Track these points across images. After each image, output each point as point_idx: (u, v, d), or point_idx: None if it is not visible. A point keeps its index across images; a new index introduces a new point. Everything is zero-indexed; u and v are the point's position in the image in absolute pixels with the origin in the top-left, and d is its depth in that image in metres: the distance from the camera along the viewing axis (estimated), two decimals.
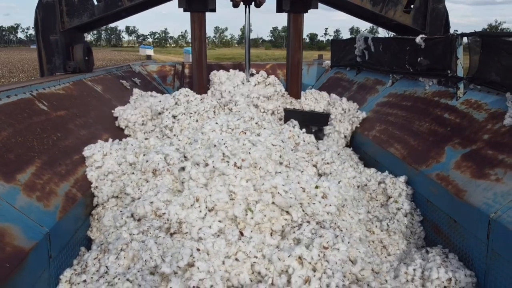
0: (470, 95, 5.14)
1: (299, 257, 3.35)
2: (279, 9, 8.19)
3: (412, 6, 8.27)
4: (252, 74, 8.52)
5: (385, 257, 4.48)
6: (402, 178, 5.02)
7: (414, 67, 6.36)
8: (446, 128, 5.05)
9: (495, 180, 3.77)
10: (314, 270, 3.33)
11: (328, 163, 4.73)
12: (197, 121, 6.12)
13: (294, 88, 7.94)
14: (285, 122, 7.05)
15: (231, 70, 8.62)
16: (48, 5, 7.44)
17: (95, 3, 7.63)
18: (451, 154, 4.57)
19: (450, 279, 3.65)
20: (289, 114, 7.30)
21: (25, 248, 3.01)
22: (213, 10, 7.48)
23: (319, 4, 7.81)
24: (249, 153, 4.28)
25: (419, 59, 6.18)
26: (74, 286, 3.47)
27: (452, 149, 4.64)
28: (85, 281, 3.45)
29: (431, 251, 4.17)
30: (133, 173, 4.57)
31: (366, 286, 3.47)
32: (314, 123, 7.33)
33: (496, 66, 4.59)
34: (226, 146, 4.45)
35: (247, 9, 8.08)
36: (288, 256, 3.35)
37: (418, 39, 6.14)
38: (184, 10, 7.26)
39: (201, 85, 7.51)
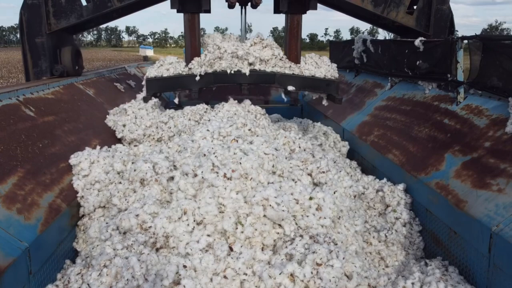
0: (471, 100, 4.97)
1: (291, 274, 3.19)
2: (277, 10, 7.87)
3: (415, 7, 7.96)
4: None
5: (383, 269, 4.31)
6: (401, 186, 4.86)
7: (413, 70, 6.20)
8: (446, 134, 4.89)
9: (497, 191, 3.61)
10: None
11: (323, 172, 4.56)
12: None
13: (293, 52, 7.33)
14: (284, 90, 6.86)
15: (226, 34, 8.16)
16: (33, 6, 7.11)
17: (84, 3, 7.30)
18: (451, 162, 4.41)
19: None
20: (287, 80, 6.86)
21: (1, 265, 2.85)
22: (208, 11, 7.13)
23: (319, 5, 7.40)
24: (240, 163, 4.07)
25: (418, 62, 6.02)
26: None
27: (452, 156, 4.47)
28: None
29: (430, 263, 4.01)
30: (120, 182, 4.40)
31: None
32: (318, 89, 6.95)
33: (498, 70, 4.43)
34: (216, 156, 4.26)
35: (243, 10, 7.80)
36: (280, 274, 3.19)
37: (417, 41, 5.97)
38: (178, 11, 6.93)
39: (193, 52, 6.98)
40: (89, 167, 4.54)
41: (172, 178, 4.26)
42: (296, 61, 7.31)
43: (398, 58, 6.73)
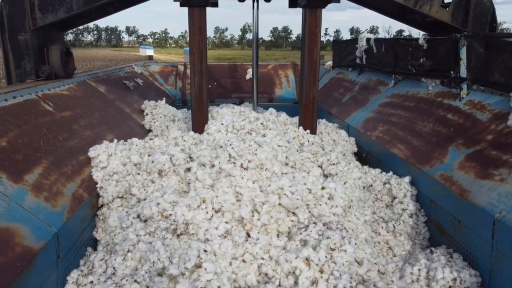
0: (474, 96, 5.16)
1: (306, 259, 3.36)
2: (292, 4, 7.10)
3: (450, 0, 7.20)
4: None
5: (391, 258, 4.50)
6: (407, 179, 5.04)
7: (417, 67, 6.39)
8: (449, 128, 5.08)
9: (499, 181, 3.79)
10: (321, 271, 3.35)
11: (333, 164, 4.75)
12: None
13: (308, 120, 6.69)
14: None
15: (235, 107, 7.64)
16: None
17: None
18: (455, 155, 4.60)
19: (455, 279, 3.67)
20: None
21: (34, 248, 3.03)
22: (215, 4, 6.41)
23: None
24: (256, 154, 4.27)
25: (421, 60, 6.21)
26: (81, 287, 3.49)
27: (456, 149, 4.66)
28: (92, 282, 3.47)
29: (435, 251, 4.19)
30: (138, 173, 4.59)
31: (372, 286, 3.49)
32: None
33: (499, 67, 4.62)
34: (232, 147, 4.44)
35: (255, 4, 6.95)
36: (295, 258, 3.37)
37: (421, 40, 6.18)
38: (181, 5, 6.17)
39: (201, 123, 6.14)
40: (107, 159, 4.71)
41: (188, 169, 4.45)
42: (312, 130, 6.62)
43: (402, 56, 6.91)
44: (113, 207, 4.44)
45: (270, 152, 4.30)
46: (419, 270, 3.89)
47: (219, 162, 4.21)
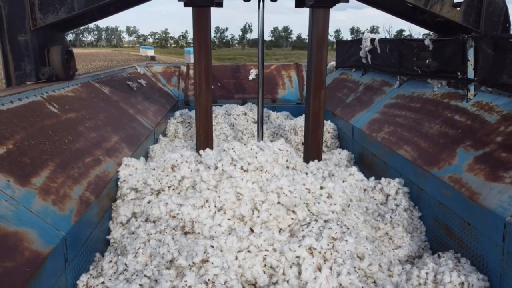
0: (481, 97, 5.13)
1: (309, 248, 3.49)
2: (299, 4, 6.89)
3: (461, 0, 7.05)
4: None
5: (393, 249, 4.59)
6: (397, 180, 5.34)
7: (423, 68, 6.36)
8: (457, 130, 5.05)
9: (510, 183, 3.76)
10: (325, 259, 3.44)
11: (334, 165, 4.90)
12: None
13: (315, 148, 6.32)
14: None
15: (241, 139, 7.79)
16: None
17: None
18: (464, 157, 4.57)
19: (462, 283, 3.65)
20: None
21: (43, 252, 3.01)
22: (220, 4, 6.29)
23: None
24: (256, 157, 4.60)
25: (427, 60, 6.19)
26: None
27: (464, 151, 4.63)
28: (103, 282, 3.52)
29: (443, 255, 4.19)
30: (154, 169, 4.94)
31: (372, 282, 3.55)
32: None
33: (508, 68, 4.59)
34: (234, 151, 4.77)
35: (261, 3, 6.65)
36: (299, 247, 3.51)
37: (426, 41, 6.15)
38: (185, 5, 6.02)
39: (207, 137, 5.87)
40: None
41: (197, 170, 4.59)
42: (318, 156, 6.22)
43: (407, 56, 6.89)
44: (126, 200, 4.76)
45: (271, 156, 4.63)
46: (426, 273, 3.89)
47: (222, 165, 4.55)
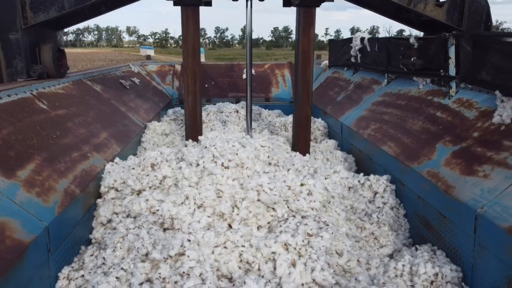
0: (462, 94, 5.23)
1: (285, 244, 3.53)
2: (286, 3, 7.02)
3: None
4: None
5: (378, 249, 4.64)
6: (385, 177, 5.38)
7: (408, 66, 6.46)
8: (438, 126, 5.15)
9: (483, 176, 3.87)
10: (299, 255, 3.50)
11: (320, 162, 4.92)
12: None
13: (302, 141, 6.66)
14: None
15: (227, 127, 7.76)
16: None
17: None
18: (442, 152, 4.67)
19: (436, 274, 3.76)
20: None
21: (24, 241, 3.11)
22: (209, 3, 6.38)
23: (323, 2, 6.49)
24: (237, 154, 4.59)
25: (413, 58, 6.29)
26: (72, 281, 3.61)
27: (443, 146, 4.73)
28: (83, 275, 3.59)
29: (420, 248, 4.30)
30: (133, 168, 4.82)
31: (354, 280, 3.59)
32: None
33: (486, 65, 4.69)
34: (215, 148, 4.77)
35: (249, 3, 6.79)
36: (274, 242, 3.55)
37: (412, 39, 6.25)
38: (174, 4, 6.18)
39: (195, 128, 6.22)
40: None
41: (179, 168, 4.63)
42: (305, 151, 6.56)
43: (394, 55, 6.99)
44: (107, 198, 4.68)
45: (252, 152, 4.62)
46: (403, 265, 3.98)
47: (203, 161, 4.55)
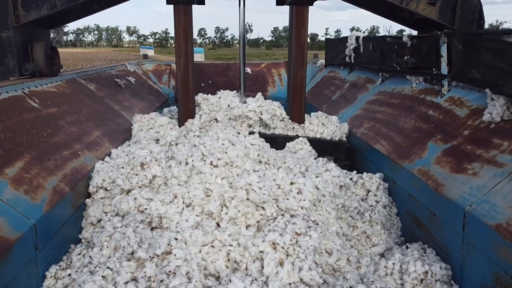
0: (454, 93, 5.22)
1: (273, 243, 3.49)
2: (279, 2, 7.15)
3: None
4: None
5: (369, 248, 4.61)
6: (378, 175, 5.38)
7: (402, 65, 6.45)
8: (430, 124, 5.14)
9: (472, 174, 3.86)
10: (287, 254, 3.47)
11: (311, 160, 4.88)
12: None
13: (296, 111, 6.86)
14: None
15: (221, 91, 7.76)
16: None
17: None
18: (433, 150, 4.66)
19: (426, 272, 3.75)
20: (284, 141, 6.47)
21: (10, 238, 3.10)
22: (202, 2, 6.48)
23: (324, 3, 6.84)
24: (226, 152, 4.48)
25: (406, 57, 6.28)
26: (59, 280, 3.60)
27: (434, 144, 4.72)
28: (70, 274, 3.59)
29: (410, 246, 4.29)
30: (122, 167, 4.72)
31: (342, 278, 3.57)
32: (324, 153, 6.44)
33: (476, 63, 4.68)
34: (204, 146, 4.69)
35: (241, 1, 6.91)
36: (262, 241, 3.50)
37: (405, 38, 6.25)
38: (167, 2, 6.24)
39: (187, 109, 6.59)
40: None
41: (169, 166, 4.59)
42: (300, 120, 6.85)
43: (388, 54, 6.98)
44: (96, 198, 4.60)
45: (242, 150, 4.52)
46: (393, 264, 3.97)
47: (192, 160, 4.44)
